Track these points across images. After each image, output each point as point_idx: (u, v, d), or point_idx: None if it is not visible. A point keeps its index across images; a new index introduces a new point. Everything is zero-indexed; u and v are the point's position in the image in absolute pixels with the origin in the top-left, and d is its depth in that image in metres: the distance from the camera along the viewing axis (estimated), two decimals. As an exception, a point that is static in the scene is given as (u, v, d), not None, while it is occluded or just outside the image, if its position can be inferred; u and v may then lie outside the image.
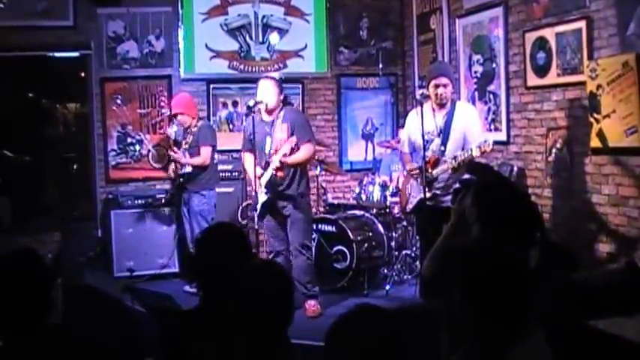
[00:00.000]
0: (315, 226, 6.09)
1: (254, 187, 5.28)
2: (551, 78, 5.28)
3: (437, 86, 4.92)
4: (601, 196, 4.83)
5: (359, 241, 5.95)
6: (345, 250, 5.96)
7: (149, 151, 7.26)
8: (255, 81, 5.65)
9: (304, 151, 5.27)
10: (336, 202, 6.96)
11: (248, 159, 5.46)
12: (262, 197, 5.27)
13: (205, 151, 6.14)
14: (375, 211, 6.35)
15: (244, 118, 5.69)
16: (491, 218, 2.56)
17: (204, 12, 7.40)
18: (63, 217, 8.42)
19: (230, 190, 6.94)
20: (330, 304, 5.54)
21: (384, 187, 6.22)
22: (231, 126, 7.49)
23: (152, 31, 7.26)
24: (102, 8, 7.09)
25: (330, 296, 5.72)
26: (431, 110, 4.98)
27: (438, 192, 4.91)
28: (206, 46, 7.40)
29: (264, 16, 7.54)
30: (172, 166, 6.38)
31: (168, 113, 7.18)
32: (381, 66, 7.74)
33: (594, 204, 4.89)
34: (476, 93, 6.36)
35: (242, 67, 7.52)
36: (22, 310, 2.25)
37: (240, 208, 6.64)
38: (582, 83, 4.89)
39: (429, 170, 4.88)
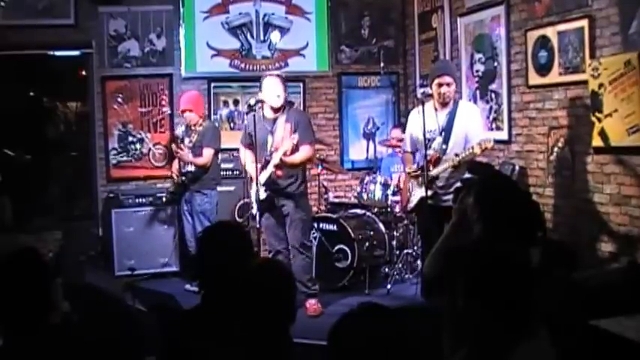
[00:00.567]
0: (316, 225, 6.09)
1: (255, 179, 5.23)
2: (553, 77, 5.27)
3: (440, 85, 4.91)
4: (603, 195, 4.82)
5: (360, 240, 5.94)
6: (347, 249, 5.95)
7: (150, 149, 7.26)
8: (256, 80, 5.65)
9: (303, 153, 5.25)
10: (337, 200, 6.96)
11: (247, 154, 5.44)
12: (262, 195, 5.26)
13: (207, 153, 6.13)
14: (376, 210, 6.34)
15: (245, 115, 5.67)
16: (493, 217, 2.56)
17: (205, 10, 7.39)
18: (64, 216, 8.43)
19: (231, 188, 6.93)
20: (331, 303, 5.54)
21: (385, 185, 6.21)
22: (232, 124, 7.49)
23: (153, 30, 7.26)
24: (103, 7, 7.10)
25: (331, 295, 5.72)
26: (433, 109, 4.97)
27: (439, 191, 4.90)
28: (207, 44, 7.39)
29: (265, 15, 7.53)
30: (175, 165, 6.37)
31: (170, 112, 7.19)
32: (382, 65, 7.73)
33: (596, 203, 4.88)
34: (477, 92, 6.35)
35: (243, 65, 7.51)
36: (22, 309, 2.25)
37: (237, 206, 6.64)
38: (584, 82, 4.88)
39: (431, 169, 4.88)
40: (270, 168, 5.18)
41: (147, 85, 7.27)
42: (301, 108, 7.30)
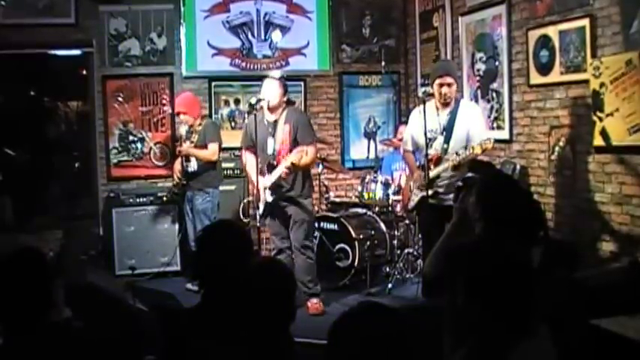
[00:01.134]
0: (317, 224, 6.09)
1: (256, 185, 5.26)
2: (555, 76, 5.26)
3: (441, 85, 4.89)
4: (604, 194, 4.81)
5: (361, 240, 5.94)
6: (348, 249, 5.95)
7: (151, 148, 7.26)
8: (257, 79, 5.65)
9: (309, 155, 5.25)
10: (338, 200, 6.95)
11: (248, 157, 5.46)
12: (268, 198, 5.27)
13: (213, 147, 6.14)
14: (377, 209, 6.34)
15: (246, 115, 5.66)
16: (494, 217, 2.55)
17: (206, 9, 7.39)
18: (64, 215, 8.43)
19: (232, 187, 6.93)
20: (332, 302, 5.54)
21: (386, 185, 6.21)
22: (233, 124, 7.49)
23: (154, 29, 7.26)
24: (104, 6, 7.10)
25: (332, 294, 5.72)
26: (434, 108, 4.97)
27: (440, 190, 4.89)
28: (208, 43, 7.39)
29: (266, 14, 7.53)
30: (178, 165, 6.36)
31: (170, 111, 7.19)
32: (383, 64, 7.73)
33: (597, 202, 4.87)
34: (478, 91, 6.34)
35: (244, 64, 7.51)
36: (23, 308, 2.25)
37: (242, 205, 6.63)
38: (585, 81, 4.87)
39: (432, 168, 4.87)
40: (276, 174, 5.17)
41: (147, 85, 7.27)
42: (302, 107, 7.30)
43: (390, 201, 6.18)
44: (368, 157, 7.86)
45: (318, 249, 6.03)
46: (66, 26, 7.00)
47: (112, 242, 6.66)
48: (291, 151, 5.21)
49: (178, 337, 2.54)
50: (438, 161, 4.89)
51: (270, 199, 5.28)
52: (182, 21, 7.30)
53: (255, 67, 7.50)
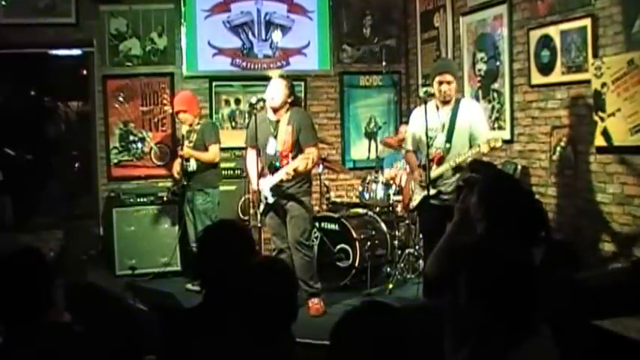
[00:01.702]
0: (317, 225, 6.09)
1: (256, 184, 5.24)
2: (556, 76, 5.25)
3: (441, 83, 4.89)
4: (605, 195, 4.80)
5: (362, 240, 5.93)
6: (348, 249, 5.95)
7: (151, 148, 7.25)
8: (257, 78, 5.64)
9: (313, 157, 5.23)
10: (338, 200, 6.95)
11: (250, 156, 5.45)
12: (269, 199, 5.26)
13: (213, 148, 6.14)
14: (378, 209, 6.34)
15: (247, 115, 5.66)
16: (496, 216, 2.55)
17: (206, 9, 7.38)
18: (65, 215, 8.42)
19: (233, 187, 6.92)
20: (333, 302, 5.53)
21: (387, 185, 6.21)
22: (233, 123, 7.48)
23: (154, 29, 7.26)
24: (104, 5, 7.10)
25: (332, 294, 5.71)
26: (435, 107, 4.96)
27: (442, 189, 4.88)
28: (208, 43, 7.39)
29: (266, 14, 7.52)
30: (177, 164, 6.36)
31: (171, 111, 7.18)
32: (384, 64, 7.72)
33: (599, 203, 4.86)
34: (480, 91, 6.33)
35: (244, 64, 7.51)
36: (22, 307, 2.24)
37: (240, 203, 6.63)
38: (587, 81, 4.86)
39: (434, 167, 4.86)
40: (278, 178, 5.17)
41: (148, 84, 7.27)
42: (303, 107, 7.28)
43: (391, 201, 6.18)
44: (369, 158, 7.85)
45: (319, 249, 6.04)
46: (66, 26, 6.99)
47: (112, 242, 6.65)
48: (292, 151, 5.20)
49: (178, 337, 2.53)
50: (440, 160, 4.88)
51: (271, 200, 5.27)
52: (183, 21, 7.29)
53: (256, 66, 7.50)
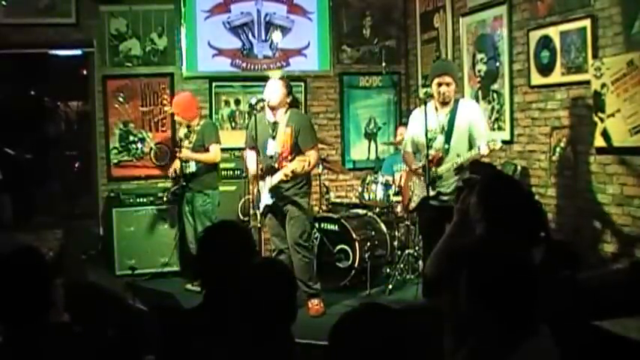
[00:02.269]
0: (317, 225, 6.09)
1: (256, 184, 5.25)
2: (556, 77, 5.26)
3: (440, 84, 4.88)
4: (605, 195, 4.81)
5: (361, 240, 5.93)
6: (348, 249, 5.95)
7: (151, 148, 7.25)
8: (257, 79, 5.64)
9: (311, 160, 5.22)
10: (338, 200, 6.95)
11: (250, 157, 5.45)
12: (267, 201, 5.27)
13: (214, 149, 6.13)
14: (377, 210, 6.34)
15: (246, 116, 5.65)
16: (495, 217, 2.55)
17: (206, 10, 7.39)
18: (64, 214, 8.42)
19: (232, 188, 6.92)
20: (333, 302, 5.52)
21: (386, 186, 6.20)
22: (233, 124, 7.48)
23: (154, 29, 7.26)
24: (104, 6, 7.10)
25: (332, 295, 5.71)
26: (434, 108, 4.96)
27: (442, 190, 4.88)
28: (208, 43, 7.39)
29: (266, 14, 7.53)
30: (176, 165, 6.35)
31: (171, 111, 7.18)
32: (384, 64, 7.72)
33: (598, 203, 4.87)
34: (479, 92, 6.33)
35: (244, 65, 7.51)
36: (22, 307, 2.24)
37: (240, 203, 6.63)
38: (587, 82, 4.87)
39: (433, 169, 4.86)
40: (276, 180, 5.17)
41: (148, 85, 7.27)
42: (302, 108, 7.28)
43: (391, 202, 6.17)
44: (368, 158, 7.85)
45: (319, 249, 6.04)
46: (67, 26, 7.00)
47: (112, 242, 6.66)
48: (291, 154, 5.20)
49: (178, 337, 2.53)
50: (439, 162, 4.88)
51: (270, 202, 5.28)
52: (182, 21, 7.29)
53: (256, 67, 7.50)
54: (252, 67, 7.51)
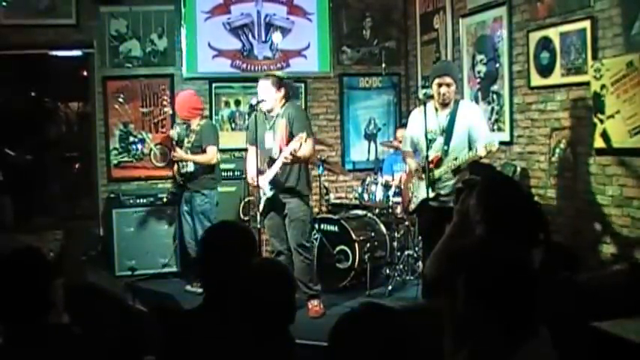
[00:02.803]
0: (317, 226, 6.09)
1: (255, 181, 5.22)
2: (555, 78, 5.26)
3: (440, 85, 4.89)
4: (605, 196, 4.81)
5: (361, 241, 5.94)
6: (348, 250, 5.95)
7: (151, 149, 7.25)
8: (257, 80, 5.63)
9: (308, 145, 5.20)
10: (338, 201, 6.95)
11: (251, 154, 5.44)
12: (268, 192, 5.27)
13: (211, 150, 6.13)
14: (377, 211, 6.34)
15: (247, 116, 5.65)
16: (495, 218, 2.55)
17: (206, 11, 7.39)
18: (65, 215, 8.43)
19: (232, 189, 6.93)
20: (333, 304, 5.53)
21: (386, 187, 6.21)
22: (233, 125, 7.48)
23: (154, 30, 7.26)
24: (104, 7, 7.10)
25: (332, 296, 5.72)
26: (433, 109, 4.96)
27: (441, 192, 4.89)
28: (209, 44, 7.39)
29: (266, 15, 7.53)
30: (175, 165, 6.36)
31: (171, 112, 7.19)
32: (383, 65, 7.73)
33: (598, 205, 4.87)
34: (479, 93, 6.34)
35: (244, 66, 7.51)
36: (22, 308, 2.24)
37: (242, 204, 6.63)
38: (586, 83, 4.86)
39: (432, 170, 4.86)
40: (277, 167, 5.17)
41: (148, 86, 7.28)
42: (301, 105, 7.28)
43: (391, 203, 6.18)
44: (368, 159, 7.85)
45: (319, 250, 6.04)
46: (67, 27, 7.00)
47: (112, 243, 6.67)
48: (287, 144, 5.18)
49: (178, 338, 2.53)
50: (439, 163, 4.88)
51: (269, 193, 5.28)
52: (183, 22, 7.30)
53: (256, 68, 7.50)
54: (252, 68, 7.51)
